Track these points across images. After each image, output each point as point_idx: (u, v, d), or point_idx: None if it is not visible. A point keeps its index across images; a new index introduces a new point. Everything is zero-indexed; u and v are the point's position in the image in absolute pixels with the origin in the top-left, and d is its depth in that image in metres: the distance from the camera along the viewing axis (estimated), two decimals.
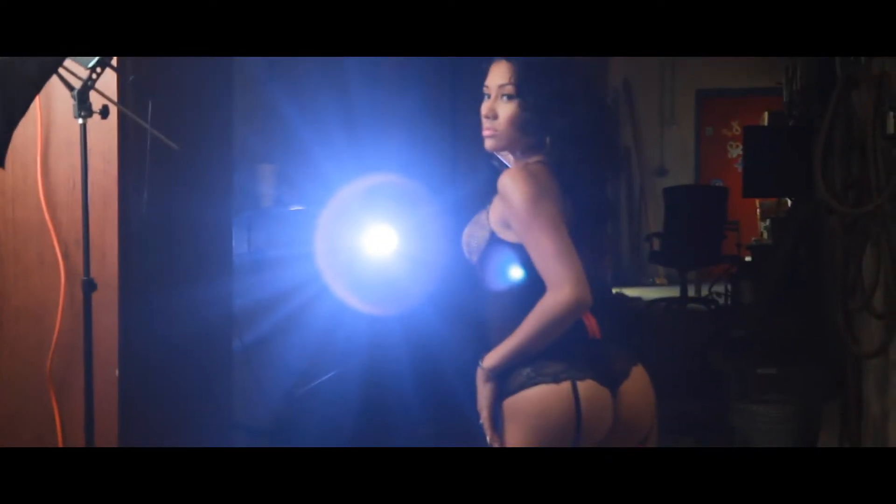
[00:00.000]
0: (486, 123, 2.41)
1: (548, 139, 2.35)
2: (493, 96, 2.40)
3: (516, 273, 2.32)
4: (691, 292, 9.38)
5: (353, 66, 4.50)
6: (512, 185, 2.27)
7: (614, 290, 9.29)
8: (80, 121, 2.52)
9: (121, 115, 2.70)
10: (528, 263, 2.27)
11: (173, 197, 2.95)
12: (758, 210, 10.02)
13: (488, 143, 2.42)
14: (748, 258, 8.79)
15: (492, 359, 2.31)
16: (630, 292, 9.60)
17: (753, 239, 9.74)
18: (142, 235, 2.75)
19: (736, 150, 11.31)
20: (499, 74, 2.38)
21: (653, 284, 11.06)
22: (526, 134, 2.38)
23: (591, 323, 2.37)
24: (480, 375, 2.34)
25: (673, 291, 9.41)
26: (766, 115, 9.68)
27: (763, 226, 9.74)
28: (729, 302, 8.61)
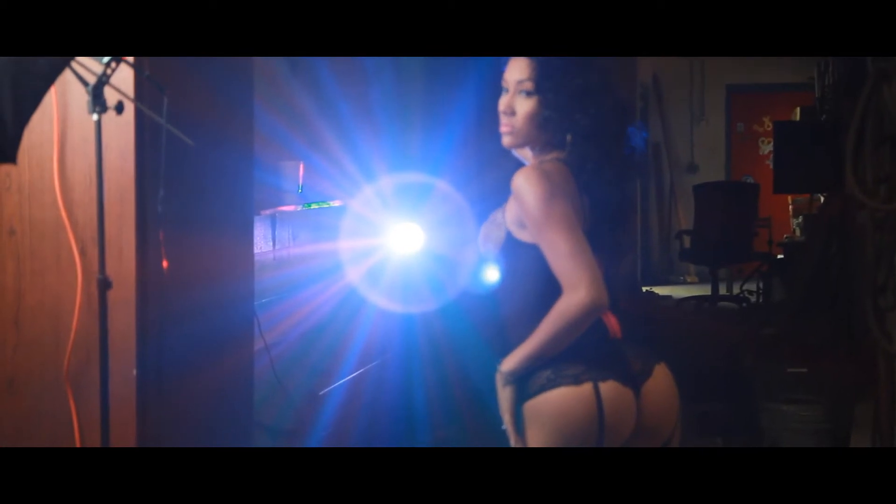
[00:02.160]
0: (503, 119, 2.36)
1: (569, 137, 2.30)
2: (511, 91, 2.35)
3: (532, 272, 2.27)
4: (722, 290, 9.29)
5: (374, 60, 4.46)
6: (525, 185, 2.22)
7: (644, 289, 9.20)
8: (95, 117, 2.48)
9: (137, 111, 2.67)
10: (544, 264, 2.22)
11: (192, 193, 2.91)
12: (790, 206, 9.90)
13: (505, 140, 2.38)
14: (780, 255, 8.69)
15: (510, 362, 2.27)
16: (660, 290, 9.52)
17: (785, 236, 9.63)
18: (159, 232, 2.72)
19: (767, 146, 11.20)
20: (517, 69, 2.33)
21: (683, 282, 10.96)
22: (545, 131, 2.33)
23: (612, 322, 2.31)
24: (499, 379, 2.30)
25: (704, 290, 9.32)
26: (797, 110, 9.57)
27: (795, 222, 9.63)
28: (760, 300, 8.51)
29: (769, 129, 11.07)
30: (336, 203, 4.22)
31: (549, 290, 2.21)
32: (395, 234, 4.32)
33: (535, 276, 2.26)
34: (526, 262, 2.28)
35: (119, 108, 2.51)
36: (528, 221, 2.24)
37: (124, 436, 2.66)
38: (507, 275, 2.33)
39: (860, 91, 3.87)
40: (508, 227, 2.31)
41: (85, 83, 2.47)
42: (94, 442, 2.65)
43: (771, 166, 8.99)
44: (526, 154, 2.42)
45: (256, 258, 3.40)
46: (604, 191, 2.32)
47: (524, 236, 2.28)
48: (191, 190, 2.90)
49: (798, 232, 9.36)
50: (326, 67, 4.17)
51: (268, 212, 3.78)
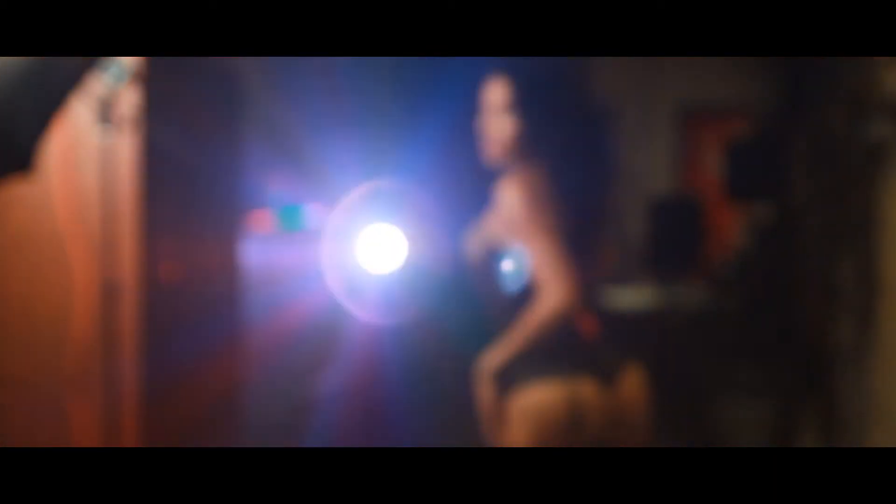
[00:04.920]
0: (486, 137, 2.49)
1: (547, 150, 2.43)
2: (491, 111, 2.48)
3: (514, 278, 2.40)
4: (672, 299, 9.43)
5: (355, 67, 4.49)
6: (510, 195, 2.36)
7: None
8: (103, 132, 2.57)
9: (141, 123, 2.76)
10: (524, 268, 2.35)
11: (190, 201, 3.01)
12: (736, 217, 10.09)
13: (489, 156, 2.50)
14: (727, 264, 8.87)
15: (489, 361, 2.40)
16: (611, 300, 9.64)
17: (733, 247, 9.82)
18: (160, 239, 2.81)
19: (714, 160, 11.38)
20: (496, 90, 2.46)
21: (633, 291, 11.09)
22: (525, 146, 2.46)
23: (588, 323, 2.44)
24: (478, 377, 2.42)
25: (654, 298, 9.46)
26: (742, 126, 9.76)
27: (742, 234, 9.81)
28: (709, 307, 8.68)
29: (716, 143, 11.26)
30: (320, 211, 4.26)
31: (528, 293, 2.34)
32: (375, 245, 4.36)
33: (515, 280, 2.39)
34: (508, 268, 2.41)
35: (123, 122, 2.59)
36: (511, 229, 2.37)
37: (126, 438, 2.73)
38: (490, 278, 2.46)
39: (803, 108, 4.04)
40: (493, 235, 2.44)
41: (92, 97, 2.56)
42: (97, 444, 2.73)
43: (718, 179, 9.18)
44: (509, 168, 2.53)
45: (246, 265, 3.49)
46: (583, 198, 2.45)
47: (507, 243, 2.41)
48: (189, 197, 3.00)
49: (744, 242, 9.55)
50: (308, 75, 4.19)
51: (254, 216, 3.85)
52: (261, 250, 3.99)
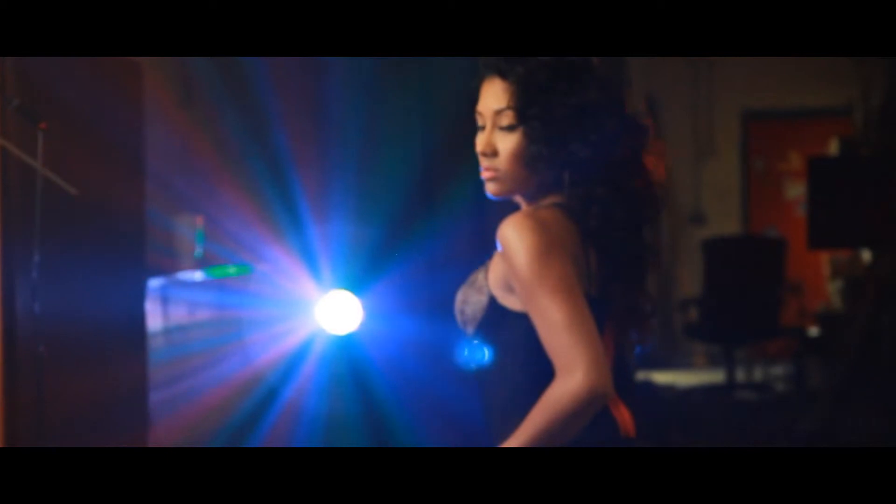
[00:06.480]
0: (484, 163, 2.40)
1: (566, 175, 2.38)
2: (488, 126, 2.40)
3: (522, 349, 2.36)
4: (740, 376, 9.43)
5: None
6: (514, 238, 2.28)
7: (640, 375, 9.29)
8: None
9: (3, 152, 2.74)
10: (536, 336, 2.30)
11: (71, 258, 2.99)
12: (826, 267, 10.12)
13: (490, 188, 2.41)
14: (814, 330, 8.88)
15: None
16: (660, 377, 9.64)
17: (821, 305, 9.84)
18: (32, 311, 2.79)
19: (796, 189, 11.42)
20: (493, 96, 2.38)
21: (690, 366, 11.09)
22: (536, 171, 2.39)
23: (624, 416, 2.40)
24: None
25: (716, 376, 9.46)
26: (833, 142, 9.80)
27: (834, 288, 9.83)
28: (791, 388, 8.67)
29: (797, 166, 11.30)
30: (247, 267, 4.28)
31: (544, 369, 2.28)
32: (324, 307, 4.37)
33: (525, 352, 2.34)
34: (514, 335, 2.35)
35: None
36: (517, 283, 2.31)
37: None
38: (490, 351, 2.41)
39: None
40: (492, 291, 2.37)
41: None
42: None
43: (802, 215, 9.20)
44: (518, 201, 2.47)
45: (149, 341, 3.47)
46: (615, 239, 2.38)
47: (511, 302, 2.35)
48: (69, 252, 2.98)
49: (837, 300, 9.56)
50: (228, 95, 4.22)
51: (161, 280, 3.84)
52: (173, 316, 3.98)
